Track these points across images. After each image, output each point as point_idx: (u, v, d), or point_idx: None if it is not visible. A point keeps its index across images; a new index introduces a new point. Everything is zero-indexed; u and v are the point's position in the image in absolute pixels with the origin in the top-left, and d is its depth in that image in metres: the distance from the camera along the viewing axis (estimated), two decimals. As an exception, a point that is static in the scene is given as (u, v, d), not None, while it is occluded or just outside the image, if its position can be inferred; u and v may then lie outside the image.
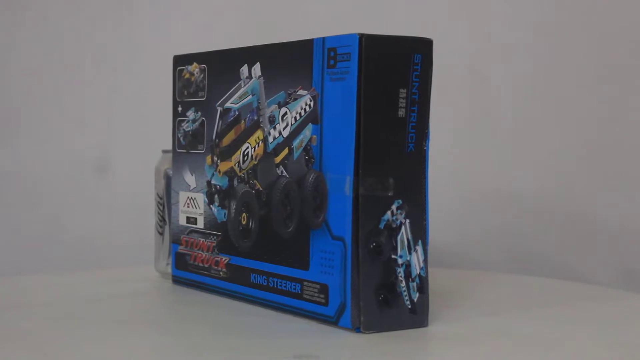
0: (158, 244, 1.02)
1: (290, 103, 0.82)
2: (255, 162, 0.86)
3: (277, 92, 0.83)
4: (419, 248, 0.78)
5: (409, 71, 0.77)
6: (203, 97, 0.93)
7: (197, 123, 0.93)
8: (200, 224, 0.93)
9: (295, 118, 0.81)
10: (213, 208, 0.91)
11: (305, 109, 0.80)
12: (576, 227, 1.22)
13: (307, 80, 0.80)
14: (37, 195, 1.38)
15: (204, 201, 0.92)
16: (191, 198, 0.94)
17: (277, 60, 0.84)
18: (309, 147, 0.80)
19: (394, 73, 0.76)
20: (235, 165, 0.88)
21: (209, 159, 0.92)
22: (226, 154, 0.89)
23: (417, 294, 0.78)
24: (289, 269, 0.82)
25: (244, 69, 0.87)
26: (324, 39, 0.78)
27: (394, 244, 0.77)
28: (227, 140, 0.89)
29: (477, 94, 1.27)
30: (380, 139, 0.76)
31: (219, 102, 0.90)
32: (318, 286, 0.79)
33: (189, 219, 0.95)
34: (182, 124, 0.96)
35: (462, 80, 1.26)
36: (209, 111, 0.92)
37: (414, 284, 0.78)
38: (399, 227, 0.77)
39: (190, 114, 0.94)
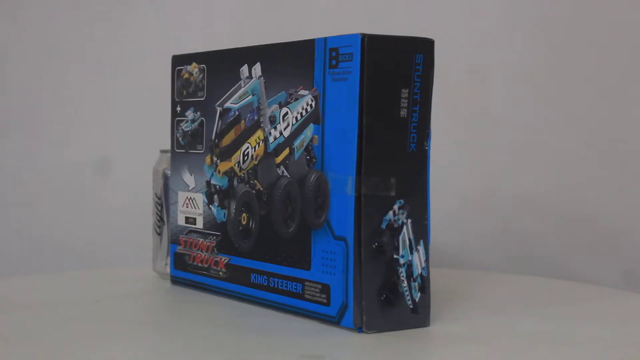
0: (156, 244, 1.02)
1: (291, 103, 0.82)
2: (256, 162, 0.86)
3: (277, 92, 0.83)
4: (421, 248, 0.78)
5: (410, 71, 0.77)
6: (202, 97, 0.93)
7: (196, 123, 0.93)
8: (200, 224, 0.93)
9: (296, 118, 0.81)
10: (212, 208, 0.91)
11: (306, 109, 0.80)
12: (576, 227, 1.23)
13: (308, 80, 0.80)
14: (36, 195, 1.38)
15: (203, 201, 0.92)
16: (190, 198, 0.94)
17: (277, 60, 0.84)
18: (310, 147, 0.80)
19: (396, 73, 0.76)
20: (235, 165, 0.88)
21: (208, 159, 0.92)
22: (226, 154, 0.89)
23: (419, 294, 0.78)
24: (290, 269, 0.82)
25: (244, 69, 0.87)
26: (325, 39, 0.78)
27: (396, 244, 0.77)
28: (226, 140, 0.89)
29: (477, 94, 1.27)
30: (382, 139, 0.76)
31: (219, 102, 0.90)
32: (319, 286, 0.79)
33: (187, 219, 0.95)
34: (181, 124, 0.95)
35: (462, 80, 1.26)
36: (208, 111, 0.92)
37: (416, 283, 0.78)
38: (401, 227, 0.77)
39: (190, 114, 0.94)
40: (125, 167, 1.36)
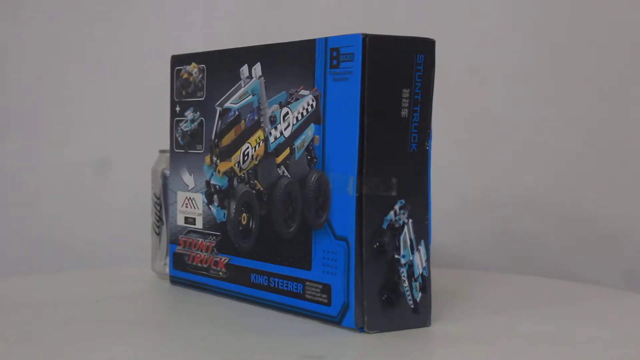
0: (155, 244, 1.02)
1: (291, 103, 0.82)
2: (256, 162, 0.86)
3: (278, 92, 0.83)
4: (422, 248, 0.78)
5: (411, 71, 0.77)
6: (202, 97, 0.93)
7: (195, 123, 0.93)
8: (199, 224, 0.93)
9: (297, 118, 0.81)
10: (212, 208, 0.91)
11: (307, 109, 0.80)
12: (576, 227, 1.23)
13: (309, 80, 0.80)
14: (36, 195, 1.38)
15: (203, 201, 0.92)
16: (189, 198, 0.94)
17: (278, 60, 0.84)
18: (311, 147, 0.80)
19: (397, 73, 0.76)
20: (235, 165, 0.88)
21: (207, 159, 0.91)
22: (226, 154, 0.89)
23: (420, 294, 0.78)
24: (290, 269, 0.82)
25: (244, 69, 0.87)
26: (326, 39, 0.78)
27: (397, 244, 0.77)
28: (226, 140, 0.89)
29: (477, 94, 1.27)
30: (383, 139, 0.76)
31: (219, 102, 0.90)
32: (320, 286, 0.79)
33: (187, 219, 0.95)
34: (180, 124, 0.95)
35: (462, 80, 1.26)
36: (207, 111, 0.92)
37: (417, 283, 0.78)
38: (402, 227, 0.77)
39: (189, 114, 0.94)
40: (125, 167, 1.36)
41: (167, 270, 0.99)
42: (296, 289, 0.82)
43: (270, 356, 0.71)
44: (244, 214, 0.87)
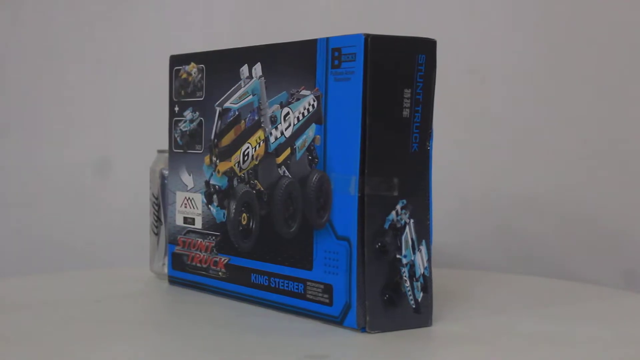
0: (153, 245, 1.02)
1: (292, 103, 0.82)
2: (256, 163, 0.86)
3: (278, 92, 0.83)
4: (423, 248, 0.78)
5: (413, 71, 0.77)
6: (201, 97, 0.93)
7: (194, 123, 0.93)
8: (198, 224, 0.93)
9: (298, 118, 0.81)
10: (212, 208, 0.91)
11: (308, 109, 0.80)
12: (576, 227, 1.23)
13: (310, 81, 0.80)
14: (36, 195, 1.38)
15: (202, 201, 0.92)
16: (188, 198, 0.94)
17: (278, 60, 0.83)
18: (312, 147, 0.80)
19: (399, 73, 0.76)
20: (235, 165, 0.88)
21: (207, 159, 0.91)
22: (225, 154, 0.89)
23: (421, 294, 0.78)
24: (291, 269, 0.82)
25: (244, 69, 0.87)
26: (327, 39, 0.78)
27: (399, 244, 0.77)
28: (226, 140, 0.89)
29: (477, 94, 1.27)
30: (385, 139, 0.76)
31: (218, 102, 0.90)
32: (322, 286, 0.79)
33: (186, 219, 0.95)
34: (179, 124, 0.95)
35: (462, 80, 1.26)
36: (207, 111, 0.92)
37: (418, 283, 0.78)
38: (404, 227, 0.77)
39: (188, 114, 0.94)
40: (125, 167, 1.36)
41: (166, 270, 0.99)
42: (297, 289, 0.82)
43: (270, 356, 0.71)
44: (244, 214, 0.87)
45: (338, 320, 0.78)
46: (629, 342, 0.76)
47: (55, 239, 1.36)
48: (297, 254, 0.81)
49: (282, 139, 0.83)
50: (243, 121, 0.87)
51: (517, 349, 0.74)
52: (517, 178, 1.25)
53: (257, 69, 0.86)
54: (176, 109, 0.96)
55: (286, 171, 0.82)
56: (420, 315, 0.78)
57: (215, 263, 0.91)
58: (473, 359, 0.72)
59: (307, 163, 0.80)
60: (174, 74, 0.96)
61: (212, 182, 0.91)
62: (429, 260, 0.79)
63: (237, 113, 0.88)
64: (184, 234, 0.95)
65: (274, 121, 0.84)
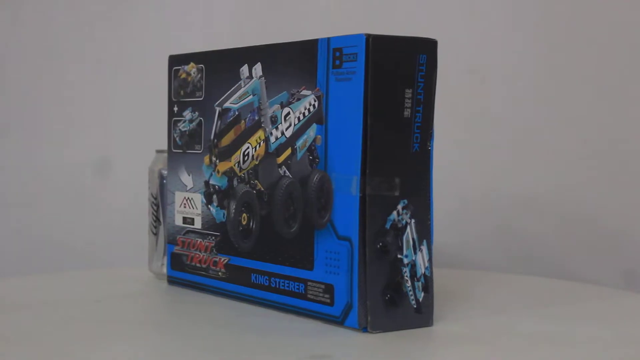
0: (152, 245, 1.02)
1: (293, 103, 0.82)
2: (257, 163, 0.86)
3: (279, 92, 0.83)
4: (424, 248, 0.78)
5: (414, 71, 0.77)
6: (200, 97, 0.92)
7: (194, 123, 0.93)
8: (198, 225, 0.93)
9: (298, 118, 0.81)
10: (211, 208, 0.91)
11: (309, 109, 0.80)
12: (576, 227, 1.23)
13: (311, 81, 0.80)
14: (36, 195, 1.38)
15: (202, 201, 0.92)
16: (188, 198, 0.94)
17: (278, 60, 0.83)
18: (313, 147, 0.80)
19: (400, 73, 0.76)
20: (235, 165, 0.88)
21: (206, 159, 0.91)
22: (225, 154, 0.89)
23: (422, 294, 0.78)
24: (292, 269, 0.82)
25: (244, 69, 0.87)
26: (329, 39, 0.78)
27: (400, 244, 0.77)
28: (226, 140, 0.89)
29: (477, 94, 1.27)
30: (386, 139, 0.76)
31: (218, 102, 0.90)
32: (323, 286, 0.79)
33: (185, 219, 0.95)
34: (179, 124, 0.95)
35: (462, 80, 1.26)
36: (206, 111, 0.92)
37: (419, 283, 0.78)
38: (405, 227, 0.77)
39: (187, 114, 0.94)
40: (125, 167, 1.36)
41: (165, 270, 0.99)
42: (298, 289, 0.82)
43: (270, 356, 0.71)
44: (244, 214, 0.87)
45: (339, 320, 0.78)
46: (629, 342, 0.76)
47: (55, 239, 1.36)
48: (297, 254, 0.81)
49: (283, 139, 0.83)
50: (243, 121, 0.87)
51: (517, 349, 0.74)
52: (517, 178, 1.25)
53: (257, 69, 0.86)
54: (175, 109, 0.96)
55: (287, 171, 0.82)
56: (421, 315, 0.78)
57: (215, 263, 0.91)
58: (473, 358, 0.72)
59: (308, 163, 0.80)
60: (172, 74, 0.96)
61: (211, 182, 0.91)
62: (430, 260, 0.79)
63: (237, 113, 0.88)
64: (183, 234, 0.95)
65: (274, 121, 0.84)
